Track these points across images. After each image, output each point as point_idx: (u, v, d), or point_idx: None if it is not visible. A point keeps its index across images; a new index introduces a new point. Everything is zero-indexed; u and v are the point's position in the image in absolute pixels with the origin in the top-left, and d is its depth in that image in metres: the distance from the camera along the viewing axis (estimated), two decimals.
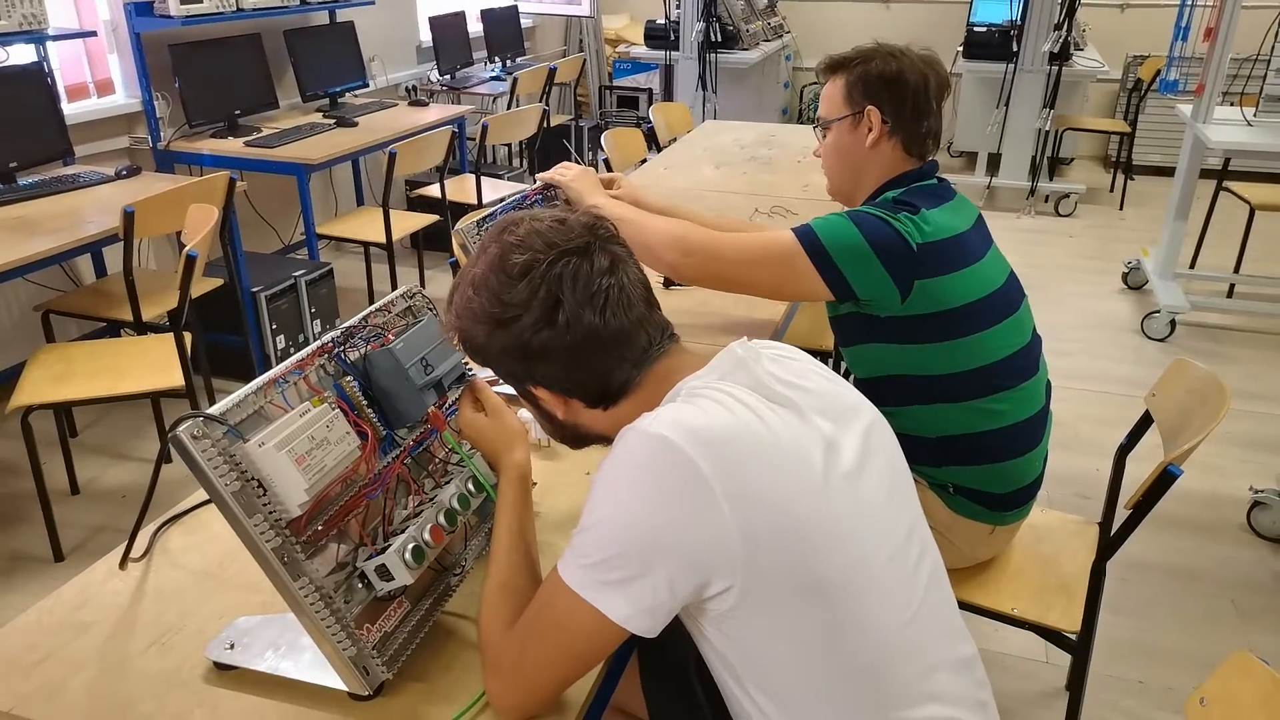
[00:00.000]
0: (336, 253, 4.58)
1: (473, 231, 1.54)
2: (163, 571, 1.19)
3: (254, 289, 3.26)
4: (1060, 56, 5.16)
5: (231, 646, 1.06)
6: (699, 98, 5.73)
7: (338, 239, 3.80)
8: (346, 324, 1.14)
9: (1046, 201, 5.55)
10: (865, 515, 0.88)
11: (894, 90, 1.53)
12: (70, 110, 3.36)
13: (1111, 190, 5.88)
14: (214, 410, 0.95)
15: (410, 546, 1.03)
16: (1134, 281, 4.36)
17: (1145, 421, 1.74)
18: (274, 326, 3.34)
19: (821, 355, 2.59)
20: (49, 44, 3.12)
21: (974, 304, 1.45)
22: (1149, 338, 3.84)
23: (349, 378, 1.09)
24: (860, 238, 1.43)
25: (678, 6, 5.73)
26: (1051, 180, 5.71)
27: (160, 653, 1.06)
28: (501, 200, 1.72)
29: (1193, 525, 2.63)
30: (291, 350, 3.40)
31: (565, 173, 1.81)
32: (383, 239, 3.64)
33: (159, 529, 1.26)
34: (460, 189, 4.20)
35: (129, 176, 3.12)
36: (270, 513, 0.94)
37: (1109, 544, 1.54)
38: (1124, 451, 1.76)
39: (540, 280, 0.90)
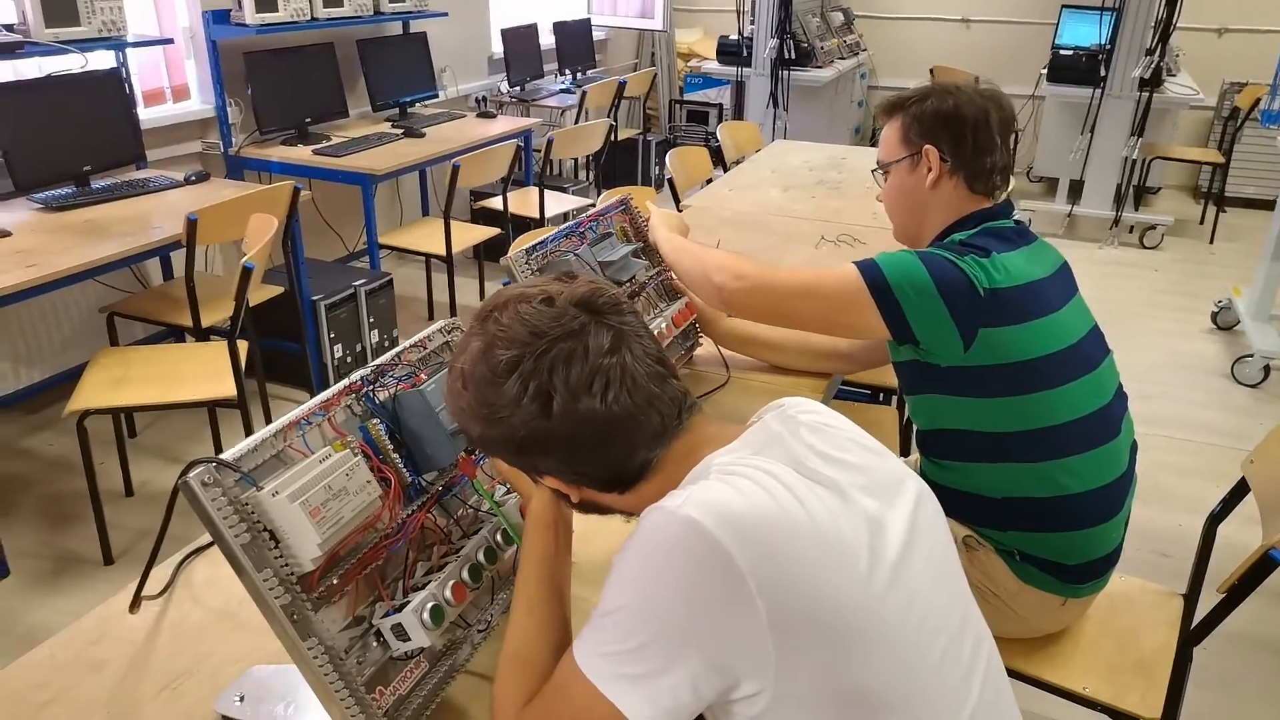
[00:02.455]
0: (399, 262, 4.60)
1: (521, 259, 1.48)
2: (183, 607, 1.15)
3: (314, 297, 3.26)
4: (1151, 82, 4.93)
5: (241, 699, 1.00)
6: (769, 115, 5.63)
7: (399, 249, 3.80)
8: (378, 361, 1.09)
9: (1131, 232, 5.31)
10: (913, 611, 0.79)
11: (951, 127, 1.46)
12: (146, 115, 3.42)
13: (1202, 223, 5.60)
14: (230, 454, 0.90)
15: (430, 606, 0.96)
16: (1224, 322, 4.12)
17: (1241, 489, 1.59)
18: (332, 335, 3.34)
19: (887, 391, 2.48)
20: (128, 50, 3.18)
21: (1045, 358, 1.34)
22: (1240, 383, 3.62)
23: (375, 420, 1.03)
24: (927, 277, 1.34)
25: (752, 22, 5.64)
26: (1137, 210, 5.46)
27: (171, 699, 1.02)
28: (566, 217, 1.67)
29: None
30: (349, 360, 3.40)
31: (656, 211, 1.79)
32: (443, 250, 3.62)
33: (184, 560, 1.22)
34: (524, 202, 4.18)
35: (198, 182, 3.15)
36: (282, 566, 0.88)
37: (1197, 628, 1.40)
38: (1215, 520, 1.62)
39: (529, 375, 0.81)
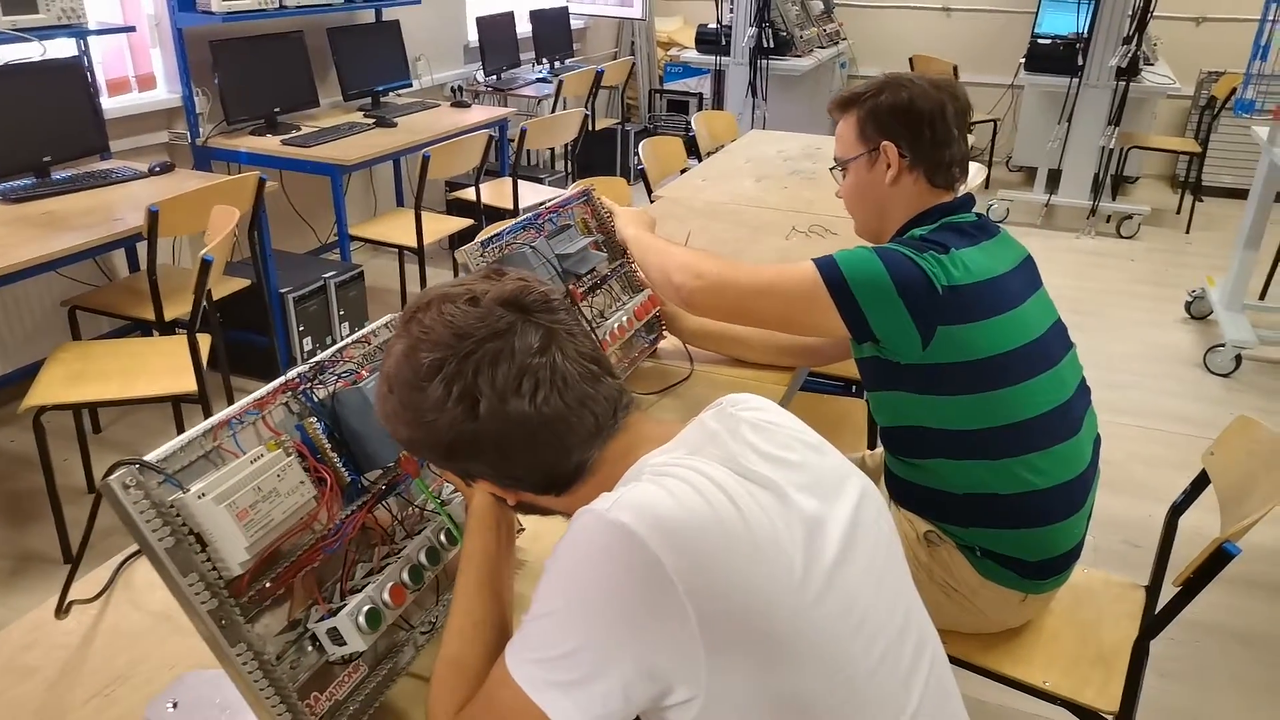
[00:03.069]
0: (373, 253, 4.55)
1: (476, 253, 1.46)
2: (120, 610, 1.13)
3: (282, 290, 3.22)
4: (1129, 71, 4.93)
5: (174, 706, 0.98)
6: (748, 104, 5.60)
7: (371, 241, 3.76)
8: (318, 357, 1.06)
9: (1108, 222, 5.32)
10: (850, 615, 0.77)
11: (908, 121, 1.44)
12: (111, 105, 3.36)
13: (1178, 212, 5.62)
14: (155, 455, 0.87)
15: (365, 609, 0.94)
16: (1198, 311, 4.13)
17: (1203, 480, 1.59)
18: (301, 328, 3.30)
19: (857, 384, 2.47)
20: (90, 39, 3.12)
21: (1005, 355, 1.33)
22: (1211, 373, 3.63)
23: (313, 418, 1.01)
24: (885, 275, 1.33)
25: (730, 10, 5.60)
26: (1114, 200, 5.47)
27: (102, 706, 0.99)
28: (540, 204, 1.64)
29: (1258, 583, 2.45)
30: (319, 352, 3.36)
31: (613, 204, 1.76)
32: (414, 242, 3.58)
33: (124, 562, 1.19)
34: (498, 192, 4.14)
35: (162, 173, 3.10)
36: (210, 570, 0.86)
37: (1154, 621, 1.39)
38: (1176, 512, 1.62)
39: (453, 377, 0.79)
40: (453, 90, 5.09)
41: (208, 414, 2.48)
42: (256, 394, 0.98)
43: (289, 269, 3.37)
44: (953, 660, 1.47)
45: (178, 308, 2.72)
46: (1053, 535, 1.39)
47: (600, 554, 0.73)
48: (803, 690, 0.73)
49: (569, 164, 4.86)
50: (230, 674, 0.87)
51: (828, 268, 1.37)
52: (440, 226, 3.81)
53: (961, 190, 1.51)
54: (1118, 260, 4.88)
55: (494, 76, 5.18)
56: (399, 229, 3.68)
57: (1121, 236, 5.21)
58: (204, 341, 2.50)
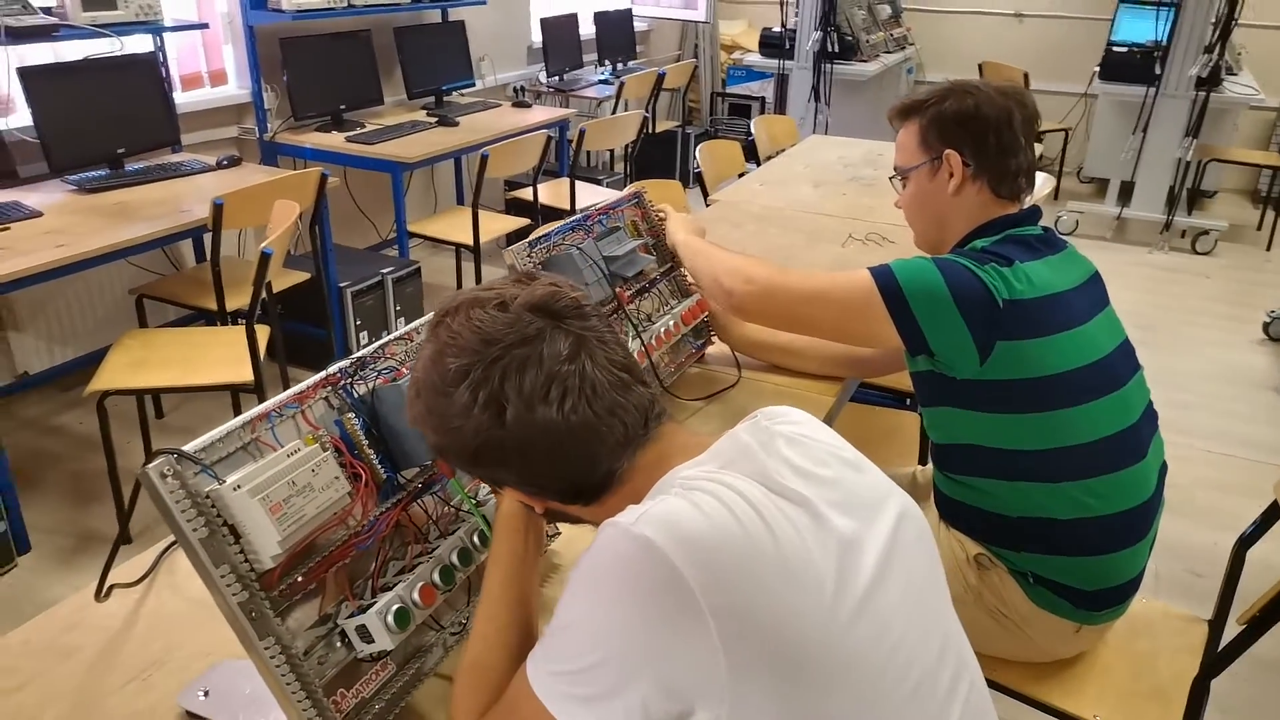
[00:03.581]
0: (431, 250, 4.60)
1: (523, 253, 1.45)
2: (161, 595, 1.14)
3: (341, 284, 3.28)
4: (1209, 81, 4.75)
5: (206, 694, 0.99)
6: (810, 109, 5.54)
7: (429, 238, 3.80)
8: (359, 353, 1.06)
9: (1183, 237, 5.13)
10: (884, 641, 0.74)
11: (972, 129, 1.40)
12: (183, 99, 3.45)
13: (1259, 229, 5.39)
14: (194, 445, 0.88)
15: (395, 608, 0.94)
16: (1276, 333, 3.96)
17: (1274, 513, 1.51)
18: (359, 322, 3.35)
19: (910, 396, 2.41)
20: (165, 35, 3.21)
21: (1066, 374, 1.27)
22: None
23: (352, 414, 1.01)
24: (943, 285, 1.28)
25: (795, 14, 5.55)
26: (1190, 214, 5.28)
27: (138, 691, 1.00)
28: (593, 205, 1.64)
29: None
30: None
31: (668, 207, 1.74)
32: (471, 240, 3.61)
33: (168, 547, 1.21)
34: (556, 193, 4.15)
35: (229, 167, 3.18)
36: (242, 562, 0.86)
37: (1217, 658, 1.33)
38: (1245, 544, 1.54)
39: (479, 384, 0.78)
40: (515, 90, 5.13)
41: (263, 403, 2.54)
42: (297, 388, 0.99)
43: (349, 264, 3.43)
44: (999, 689, 1.43)
45: (240, 299, 2.77)
46: (1111, 564, 1.33)
47: (623, 568, 0.72)
48: (830, 716, 0.70)
49: (628, 166, 4.86)
50: (258, 666, 0.87)
51: (883, 276, 1.33)
52: (497, 225, 3.83)
53: (1028, 202, 1.46)
54: (1192, 277, 4.70)
55: (556, 77, 5.20)
56: (457, 227, 3.72)
57: (1197, 253, 5.02)
58: (262, 333, 2.55)
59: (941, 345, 1.30)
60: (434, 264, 4.45)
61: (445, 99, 4.39)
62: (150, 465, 0.83)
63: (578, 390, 0.78)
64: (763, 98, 6.51)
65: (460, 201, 4.80)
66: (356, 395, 1.03)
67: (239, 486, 0.86)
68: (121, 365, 2.39)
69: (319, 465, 0.92)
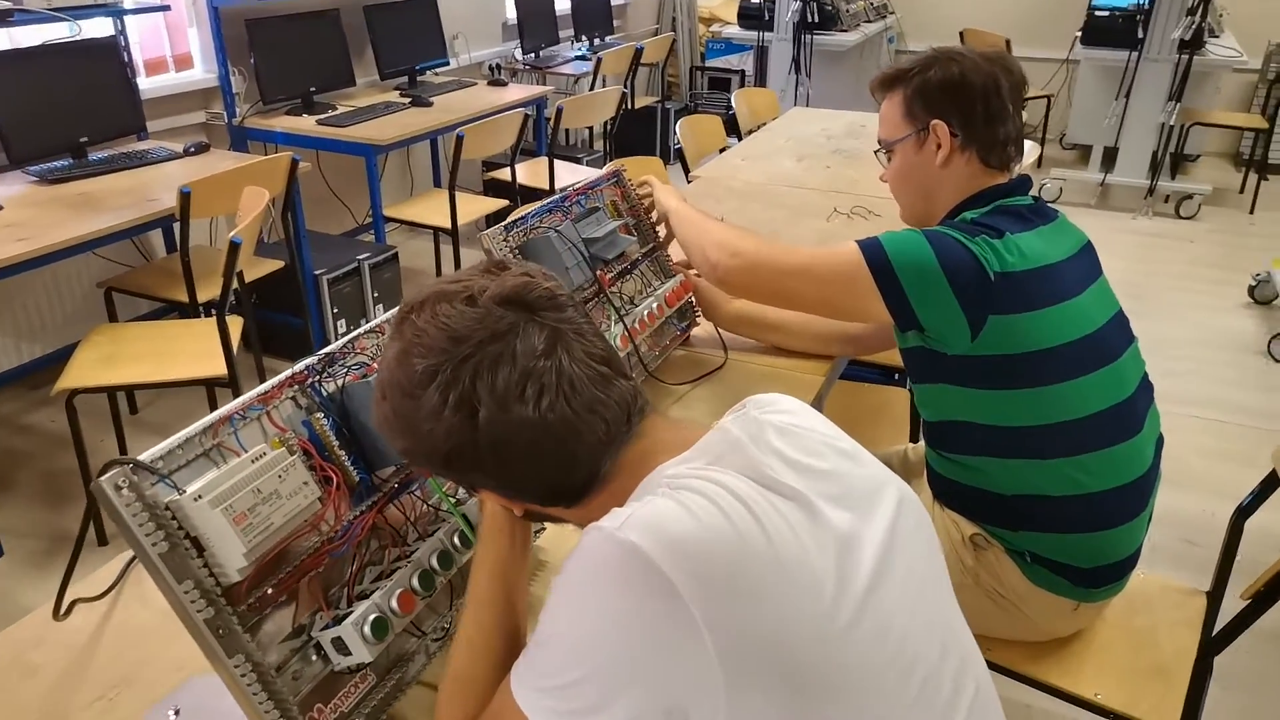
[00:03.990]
0: (409, 234, 4.52)
1: (499, 237, 1.40)
2: (130, 607, 1.09)
3: (317, 271, 3.20)
4: (1192, 44, 4.71)
5: (177, 713, 0.94)
6: (791, 81, 5.47)
7: (405, 222, 3.73)
8: (327, 349, 1.01)
9: (1166, 202, 5.11)
10: (886, 643, 0.70)
11: (959, 97, 1.35)
12: (148, 84, 3.35)
13: (1242, 192, 5.38)
14: (151, 454, 0.82)
15: (372, 618, 0.89)
16: (1262, 296, 3.95)
17: (1273, 481, 1.48)
18: (335, 310, 3.28)
19: (900, 371, 2.38)
20: (126, 17, 3.11)
21: (1060, 348, 1.24)
22: (1276, 361, 3.46)
23: (320, 414, 0.96)
24: (933, 258, 1.24)
25: None
26: (1174, 179, 5.26)
27: (104, 710, 0.96)
28: (571, 186, 1.58)
29: None
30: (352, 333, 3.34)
31: (652, 178, 1.71)
32: (449, 223, 3.54)
33: (135, 557, 1.16)
34: (535, 172, 4.08)
35: (197, 154, 3.09)
36: (207, 576, 0.82)
37: (1221, 635, 1.30)
38: (1243, 514, 1.51)
39: (448, 385, 0.72)
40: (490, 69, 5.04)
41: (237, 397, 2.47)
42: (262, 388, 0.93)
43: (324, 250, 3.35)
44: (998, 669, 1.40)
45: (212, 289, 2.69)
46: (1108, 541, 1.30)
47: (608, 577, 0.67)
48: None
49: (607, 143, 4.78)
50: (228, 684, 0.83)
51: (871, 249, 1.29)
52: (475, 207, 3.76)
53: (1017, 171, 1.42)
54: (1176, 242, 4.69)
55: (532, 54, 5.11)
56: (433, 210, 3.64)
57: (1181, 217, 5.00)
58: (235, 324, 2.48)
59: (931, 320, 1.26)
60: (412, 248, 4.37)
61: (419, 79, 4.29)
62: (104, 477, 0.78)
63: (555, 387, 0.73)
64: (742, 71, 6.43)
65: (437, 184, 4.72)
66: (325, 394, 0.98)
67: (200, 496, 0.81)
68: (90, 362, 2.32)
69: (286, 470, 0.87)
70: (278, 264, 3.02)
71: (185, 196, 2.50)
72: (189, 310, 2.68)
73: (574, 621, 0.68)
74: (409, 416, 0.75)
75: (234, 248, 2.26)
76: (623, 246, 1.55)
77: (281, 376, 0.95)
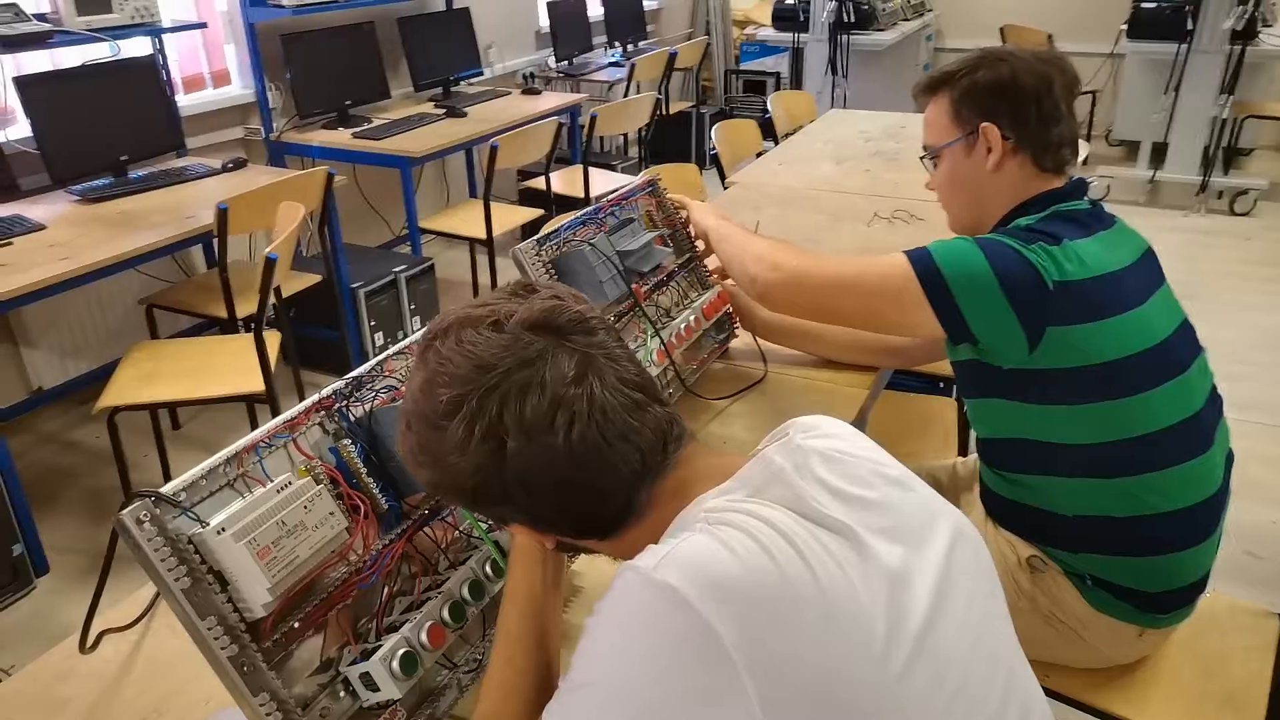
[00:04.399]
0: (445, 245, 4.52)
1: (531, 252, 1.36)
2: (159, 637, 1.08)
3: (354, 284, 3.21)
4: (1245, 34, 4.56)
5: None
6: (828, 82, 5.40)
7: (441, 233, 3.72)
8: (355, 372, 0.98)
9: (1220, 198, 4.95)
10: (943, 688, 0.65)
11: (1010, 98, 1.28)
12: (186, 102, 3.39)
13: None
14: (174, 485, 0.80)
15: (401, 653, 0.86)
16: None
17: None
18: (373, 323, 3.28)
19: (947, 380, 2.31)
20: (164, 36, 3.14)
21: (1124, 360, 1.17)
22: None
23: (348, 440, 0.93)
24: (988, 268, 1.18)
25: None
26: (1227, 174, 5.09)
27: None
28: (608, 193, 1.55)
29: None
30: (390, 346, 3.34)
31: (686, 199, 1.64)
32: (484, 234, 3.53)
33: None
34: (570, 181, 4.06)
35: (235, 169, 3.11)
36: (231, 611, 0.79)
37: None
38: None
39: (474, 415, 0.69)
40: (524, 77, 5.03)
41: (275, 413, 2.47)
42: (288, 414, 0.91)
43: (361, 263, 3.36)
44: (1056, 697, 1.33)
45: (251, 304, 2.71)
46: (1176, 564, 1.23)
47: (644, 622, 0.63)
48: None
49: (642, 149, 4.75)
50: None
51: (920, 259, 1.23)
52: (511, 217, 3.75)
53: (1071, 174, 1.35)
54: (1231, 239, 4.53)
55: (565, 62, 5.09)
56: (469, 221, 3.63)
57: (1235, 214, 4.84)
58: (273, 340, 2.49)
59: (986, 333, 1.20)
60: (448, 259, 4.37)
61: (453, 89, 4.30)
62: (126, 510, 0.76)
63: (586, 416, 0.69)
64: (778, 73, 6.36)
65: (473, 194, 4.72)
66: (353, 419, 0.95)
67: (224, 530, 0.79)
68: (130, 379, 2.34)
69: (311, 501, 0.85)
70: (315, 278, 3.03)
71: (222, 213, 2.51)
72: (229, 326, 2.69)
73: (607, 667, 0.64)
74: (434, 449, 0.72)
75: (270, 263, 2.25)
76: (659, 259, 1.51)
77: (309, 402, 0.92)
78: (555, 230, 1.42)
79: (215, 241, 2.56)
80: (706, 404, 1.53)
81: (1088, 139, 5.88)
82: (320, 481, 0.88)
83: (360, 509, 0.90)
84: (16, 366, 3.02)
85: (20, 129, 2.80)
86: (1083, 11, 6.12)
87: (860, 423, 1.49)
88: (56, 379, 3.09)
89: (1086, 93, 5.88)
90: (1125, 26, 5.18)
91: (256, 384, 2.34)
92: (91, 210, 2.73)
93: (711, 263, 1.64)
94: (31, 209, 2.68)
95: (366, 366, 0.99)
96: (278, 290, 2.70)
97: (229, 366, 2.44)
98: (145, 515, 0.76)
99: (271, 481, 0.85)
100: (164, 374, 2.37)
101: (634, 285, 1.45)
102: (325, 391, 0.94)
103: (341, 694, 0.87)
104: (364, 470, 0.93)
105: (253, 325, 2.41)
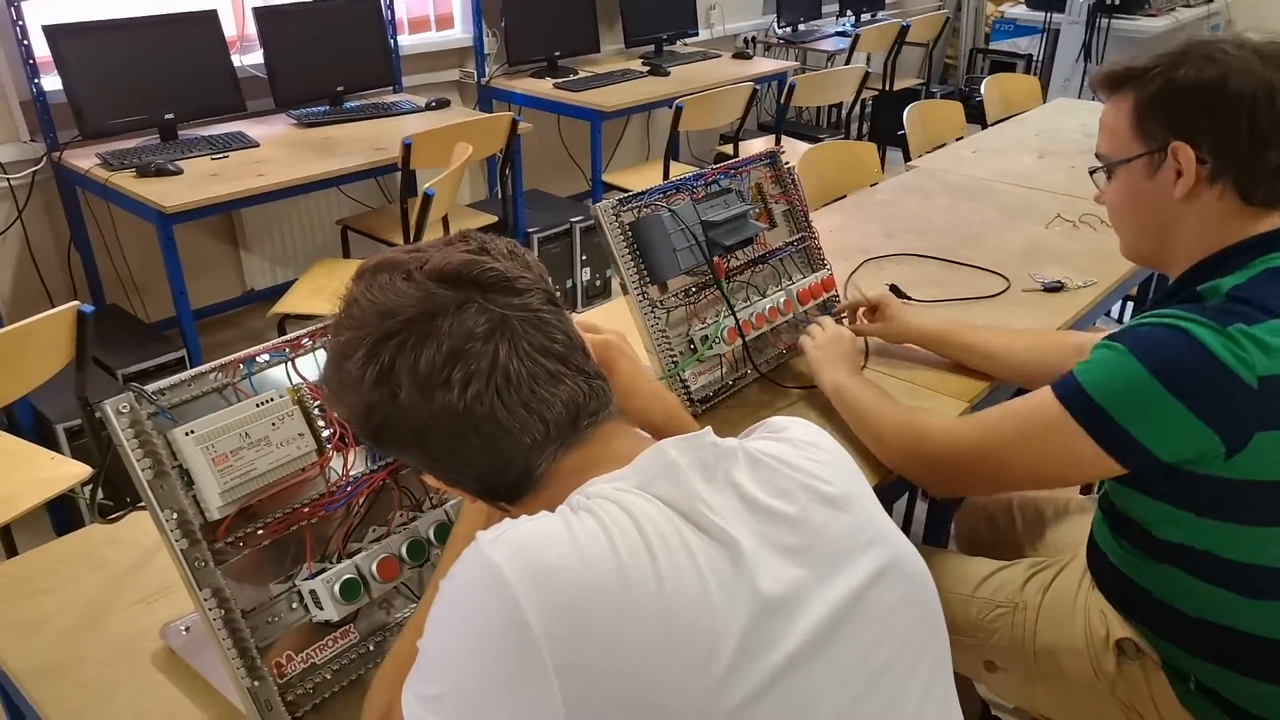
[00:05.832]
0: None
1: (610, 211, 1.34)
2: None
3: (529, 229, 3.32)
4: None
5: (187, 630, 1.00)
6: (1078, 69, 4.92)
7: (619, 189, 3.76)
8: None
9: None
10: None
11: (1214, 110, 1.00)
12: (409, 41, 3.61)
13: None
14: (160, 384, 0.86)
15: (344, 578, 0.89)
16: None
17: None
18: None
19: None
20: None
21: None
22: None
23: None
24: (1145, 375, 0.94)
25: None
26: None
27: (140, 613, 1.03)
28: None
29: None
30: (557, 293, 3.44)
31: (816, 334, 1.43)
32: None
33: None
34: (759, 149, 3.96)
35: (437, 109, 3.29)
36: (195, 509, 0.85)
37: None
38: None
39: (368, 359, 0.68)
40: (746, 41, 4.95)
41: None
42: (290, 336, 0.95)
43: (542, 209, 3.46)
44: None
45: (433, 235, 2.88)
46: None
47: (466, 595, 0.61)
48: None
49: (850, 124, 4.54)
50: (199, 615, 0.86)
51: (1068, 390, 1.01)
52: None
53: None
54: None
55: (789, 28, 4.95)
56: (647, 179, 3.63)
57: None
58: None
59: (1171, 451, 0.96)
60: None
61: (666, 48, 4.30)
62: (109, 400, 0.83)
63: (485, 376, 0.67)
64: (1030, 55, 5.86)
65: (675, 155, 4.72)
66: None
67: (191, 432, 0.84)
68: (305, 291, 2.56)
69: (281, 419, 0.88)
70: (491, 219, 3.16)
71: (406, 148, 2.67)
72: None
73: (436, 634, 0.62)
74: (336, 385, 0.73)
75: (427, 199, 2.37)
76: (748, 233, 1.44)
77: (313, 328, 0.96)
78: (644, 192, 1.39)
79: (430, 173, 2.72)
80: (784, 392, 1.46)
81: None
82: (304, 404, 0.91)
83: (345, 436, 0.93)
84: (236, 266, 3.38)
85: (254, 56, 3.09)
86: None
87: None
88: (265, 283, 3.43)
89: None
90: None
91: None
92: (302, 134, 2.98)
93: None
94: (253, 128, 2.97)
95: None
96: (446, 224, 2.84)
97: None
98: (125, 407, 0.82)
99: (255, 395, 0.90)
100: (330, 291, 2.56)
101: (716, 259, 1.40)
102: (328, 319, 0.98)
103: (294, 605, 0.91)
104: None
105: None
